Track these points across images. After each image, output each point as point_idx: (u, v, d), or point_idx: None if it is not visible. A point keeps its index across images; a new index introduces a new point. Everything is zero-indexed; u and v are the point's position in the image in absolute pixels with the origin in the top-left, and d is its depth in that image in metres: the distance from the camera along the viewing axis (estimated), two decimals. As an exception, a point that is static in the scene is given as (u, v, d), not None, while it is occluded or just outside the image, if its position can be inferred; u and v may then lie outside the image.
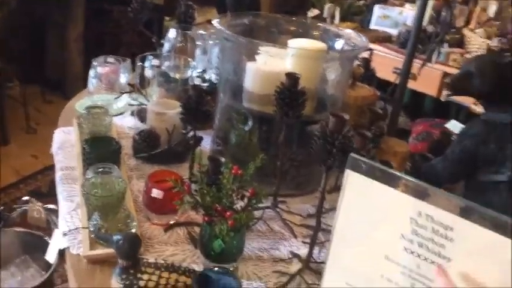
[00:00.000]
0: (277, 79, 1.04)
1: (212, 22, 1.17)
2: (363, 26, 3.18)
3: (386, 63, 2.55)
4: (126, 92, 1.34)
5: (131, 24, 1.67)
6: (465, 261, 0.61)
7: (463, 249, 0.61)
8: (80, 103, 1.48)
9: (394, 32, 3.08)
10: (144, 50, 1.53)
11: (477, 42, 2.64)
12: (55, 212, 1.45)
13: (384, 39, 3.00)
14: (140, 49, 2.19)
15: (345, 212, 0.70)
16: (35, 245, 1.34)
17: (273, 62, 1.14)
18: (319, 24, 1.37)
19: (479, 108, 2.54)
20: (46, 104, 3.49)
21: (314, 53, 1.12)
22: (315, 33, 1.30)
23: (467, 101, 2.72)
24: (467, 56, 2.57)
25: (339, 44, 1.26)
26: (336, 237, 0.72)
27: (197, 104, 1.06)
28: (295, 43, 1.16)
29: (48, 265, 1.26)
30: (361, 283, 0.71)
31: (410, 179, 0.63)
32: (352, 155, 0.68)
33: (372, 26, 3.19)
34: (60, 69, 3.58)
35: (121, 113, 1.48)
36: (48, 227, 1.43)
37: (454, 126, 2.54)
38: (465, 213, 0.60)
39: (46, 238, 1.32)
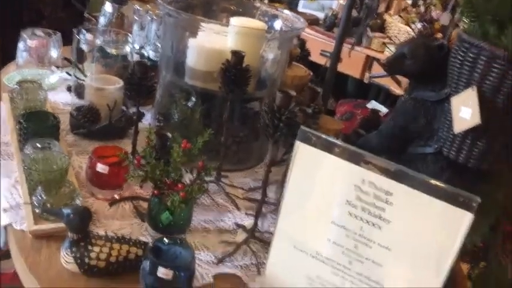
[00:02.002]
0: (220, 56, 1.07)
1: (153, -2, 1.16)
2: (291, 8, 3.25)
3: (314, 45, 2.64)
4: (63, 67, 1.30)
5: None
6: (403, 223, 0.69)
7: (402, 212, 0.68)
8: (9, 77, 1.42)
9: (320, 15, 3.19)
10: (67, 25, 1.48)
11: (397, 27, 2.80)
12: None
13: (311, 21, 3.09)
14: (62, 23, 2.12)
15: (294, 181, 0.76)
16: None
17: (216, 39, 1.16)
18: (257, 4, 1.40)
19: (398, 90, 2.72)
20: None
21: (256, 32, 1.16)
22: (253, 12, 1.34)
23: (386, 83, 2.90)
24: (388, 40, 2.73)
25: (277, 24, 1.30)
26: (285, 205, 0.77)
27: (141, 79, 1.06)
28: (237, 21, 1.19)
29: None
30: (309, 247, 0.77)
31: (355, 149, 0.70)
32: (302, 127, 0.73)
33: (300, 9, 3.28)
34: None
35: (54, 89, 1.43)
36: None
37: (375, 106, 2.70)
38: (401, 178, 0.67)
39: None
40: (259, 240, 0.98)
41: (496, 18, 0.74)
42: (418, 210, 0.67)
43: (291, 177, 0.75)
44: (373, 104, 2.79)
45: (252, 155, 1.27)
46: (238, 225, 1.03)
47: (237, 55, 1.00)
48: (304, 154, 0.73)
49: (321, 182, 0.73)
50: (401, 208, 0.68)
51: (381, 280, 0.72)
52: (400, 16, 2.98)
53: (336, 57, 1.63)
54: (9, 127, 1.17)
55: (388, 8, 3.16)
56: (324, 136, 0.71)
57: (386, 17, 3.00)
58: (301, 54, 1.43)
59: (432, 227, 0.66)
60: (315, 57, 1.87)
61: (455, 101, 0.80)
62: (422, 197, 0.65)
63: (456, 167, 0.86)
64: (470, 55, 0.77)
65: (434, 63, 0.86)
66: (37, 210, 0.91)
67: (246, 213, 1.08)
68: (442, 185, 0.64)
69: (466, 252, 1.23)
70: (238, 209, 1.09)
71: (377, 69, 2.84)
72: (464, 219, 0.64)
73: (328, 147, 0.71)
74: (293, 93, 0.85)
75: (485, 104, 0.75)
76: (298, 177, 0.75)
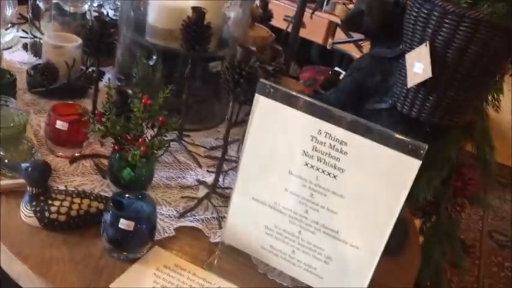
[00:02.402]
0: (182, 14, 1.06)
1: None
2: (255, -27, 3.22)
3: (277, 10, 2.63)
4: (15, 24, 1.26)
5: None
6: (357, 172, 0.72)
7: (355, 161, 0.71)
8: (-39, 35, 1.36)
9: (285, -20, 3.16)
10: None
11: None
12: None
13: (275, -14, 3.06)
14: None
15: (253, 134, 0.77)
16: None
17: (177, -3, 1.15)
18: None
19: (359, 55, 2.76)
20: None
21: (217, -11, 1.15)
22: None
23: (349, 49, 2.93)
24: (351, 6, 2.75)
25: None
26: (244, 156, 0.79)
27: (100, 36, 1.04)
28: (198, -21, 1.17)
29: None
30: (266, 197, 0.80)
31: (313, 101, 0.72)
32: (262, 80, 0.74)
33: (264, -27, 3.24)
34: None
35: (9, 47, 1.39)
36: None
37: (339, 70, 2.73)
38: (355, 128, 0.69)
39: None
40: (220, 196, 1.00)
41: (449, -25, 0.76)
42: (370, 159, 0.70)
43: (251, 130, 0.77)
44: (335, 70, 2.82)
45: (214, 114, 1.28)
46: (200, 182, 1.04)
47: (198, 11, 1.00)
48: (263, 107, 0.75)
49: (279, 134, 0.75)
50: (355, 157, 0.71)
51: (336, 227, 0.76)
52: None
53: (297, 21, 1.64)
54: (-37, 85, 1.13)
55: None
56: (282, 88, 0.73)
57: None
58: (264, 15, 1.43)
59: (383, 175, 0.70)
60: (279, 22, 1.87)
61: (410, 57, 0.83)
62: (374, 146, 0.68)
63: (409, 121, 0.89)
64: (424, 11, 0.79)
65: (391, 19, 0.88)
66: (-5, 167, 0.90)
67: (208, 171, 1.09)
68: (392, 133, 0.67)
69: (418, 208, 1.29)
70: (200, 166, 1.10)
71: (340, 35, 2.86)
72: (412, 166, 0.67)
73: (286, 100, 0.73)
74: (254, 48, 0.86)
75: (436, 58, 0.78)
76: (257, 130, 0.77)
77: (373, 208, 0.72)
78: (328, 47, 2.96)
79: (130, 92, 0.97)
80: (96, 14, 1.36)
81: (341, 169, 0.72)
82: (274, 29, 1.56)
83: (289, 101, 0.73)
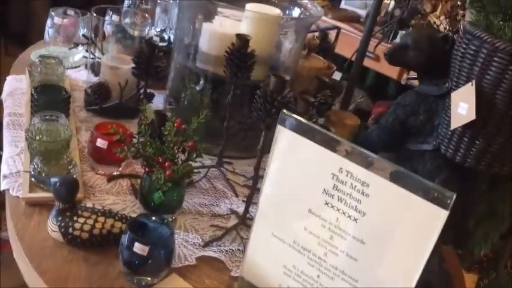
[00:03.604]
0: (232, 41, 1.06)
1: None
2: (333, 4, 3.20)
3: (353, 43, 2.57)
4: (81, 44, 1.33)
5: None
6: (378, 216, 0.66)
7: (377, 204, 0.65)
8: (36, 52, 1.46)
9: (362, 12, 3.11)
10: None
11: (441, 29, 2.69)
12: None
13: (352, 18, 3.02)
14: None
15: (274, 166, 0.74)
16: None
17: (229, 24, 1.15)
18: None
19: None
20: (8, 57, 3.39)
21: (269, 18, 1.14)
22: (273, 0, 1.32)
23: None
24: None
25: (295, 13, 1.28)
26: (265, 189, 0.76)
27: (149, 58, 1.07)
28: (252, 7, 1.17)
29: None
30: (286, 235, 0.75)
31: (335, 137, 0.67)
32: (284, 111, 0.71)
33: (342, 5, 3.21)
34: (24, 22, 3.47)
35: (77, 66, 1.47)
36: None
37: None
38: (378, 168, 0.64)
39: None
40: (249, 228, 0.97)
41: (501, 10, 0.69)
42: (393, 204, 0.64)
43: (272, 162, 0.74)
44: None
45: (259, 143, 1.25)
46: (232, 211, 1.02)
47: (242, 39, 0.99)
48: (284, 138, 0.71)
49: (300, 168, 0.71)
50: (377, 201, 0.65)
51: (355, 275, 0.69)
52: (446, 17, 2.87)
53: (361, 50, 1.58)
54: (25, 99, 1.21)
55: (434, 9, 3.05)
56: (303, 120, 0.69)
57: (431, 17, 2.89)
58: (322, 46, 1.40)
59: (407, 223, 0.63)
60: (351, 53, 1.82)
61: (455, 96, 0.76)
62: (398, 190, 0.62)
63: (455, 166, 0.81)
64: (472, 47, 0.72)
65: (439, 55, 0.82)
66: (32, 179, 0.93)
67: (243, 201, 1.06)
68: (418, 178, 0.61)
69: (474, 262, 1.17)
70: (236, 195, 1.08)
71: (416, 70, 2.74)
72: (438, 216, 0.60)
73: (307, 133, 0.69)
74: (287, 77, 0.83)
75: (483, 99, 0.70)
76: (278, 162, 0.73)
77: (396, 258, 0.65)
78: (402, 82, 2.84)
79: (168, 114, 0.97)
80: (156, 38, 1.41)
81: (362, 212, 0.66)
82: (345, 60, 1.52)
83: (311, 134, 0.69)
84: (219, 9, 1.15)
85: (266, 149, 1.00)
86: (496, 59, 0.69)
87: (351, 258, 0.69)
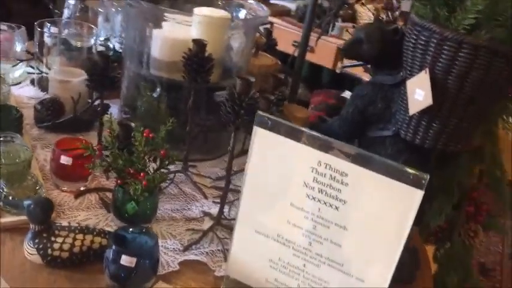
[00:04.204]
0: (184, 46, 1.07)
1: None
2: (261, 0, 3.25)
3: (286, 36, 2.64)
4: (24, 60, 1.28)
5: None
6: (359, 203, 0.70)
7: (356, 192, 0.70)
8: (-28, 72, 1.39)
9: (292, 6, 3.19)
10: (37, 20, 1.46)
11: (367, 16, 2.83)
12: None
13: (283, 13, 3.10)
14: (32, 18, 2.07)
15: (253, 166, 0.77)
16: None
17: (179, 29, 1.16)
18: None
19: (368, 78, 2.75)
20: None
21: (219, 21, 1.16)
22: (218, 2, 1.34)
23: (358, 72, 2.92)
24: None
25: (242, 14, 1.31)
26: (245, 189, 0.78)
27: (104, 70, 1.05)
28: (200, 11, 1.19)
29: None
30: (270, 230, 0.78)
31: (311, 132, 0.71)
32: (259, 112, 0.74)
33: (271, 0, 3.28)
34: None
35: (18, 83, 1.42)
36: None
37: (348, 95, 2.73)
38: (355, 159, 0.68)
39: None
40: (225, 227, 0.99)
41: (446, 1, 0.76)
42: (372, 190, 0.69)
43: (250, 162, 0.76)
44: (347, 94, 2.81)
45: (220, 144, 1.27)
46: (205, 213, 1.03)
47: (199, 43, 1.00)
48: (261, 139, 0.74)
49: (278, 165, 0.75)
50: (356, 188, 0.70)
51: (340, 260, 0.74)
52: (373, 5, 3.01)
53: (303, 46, 1.64)
54: (-29, 122, 1.15)
55: (359, -1, 3.19)
56: (280, 120, 0.72)
57: (357, 6, 3.02)
58: (268, 44, 1.44)
59: (386, 206, 0.68)
60: (288, 47, 1.87)
61: (410, 84, 0.82)
62: (375, 176, 0.67)
63: (413, 149, 0.88)
64: (422, 38, 0.78)
65: (390, 47, 0.88)
66: (0, 204, 0.90)
67: (214, 202, 1.08)
68: (393, 163, 0.66)
69: (430, 235, 1.26)
70: (205, 197, 1.10)
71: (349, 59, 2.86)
72: (415, 196, 0.65)
73: (285, 131, 0.72)
74: (252, 79, 0.86)
75: (437, 85, 0.77)
76: (257, 162, 0.76)
77: (378, 239, 0.70)
78: (337, 71, 2.96)
79: (133, 125, 0.97)
80: (101, 48, 1.39)
81: (343, 200, 0.71)
82: (283, 54, 1.56)
83: (288, 132, 0.72)
84: (166, 15, 1.15)
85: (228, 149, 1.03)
86: (445, 47, 0.75)
87: (335, 245, 0.73)
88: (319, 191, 0.72)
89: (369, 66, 1.20)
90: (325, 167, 0.71)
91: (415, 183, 0.65)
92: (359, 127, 0.94)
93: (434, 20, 0.77)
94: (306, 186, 0.73)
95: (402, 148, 0.88)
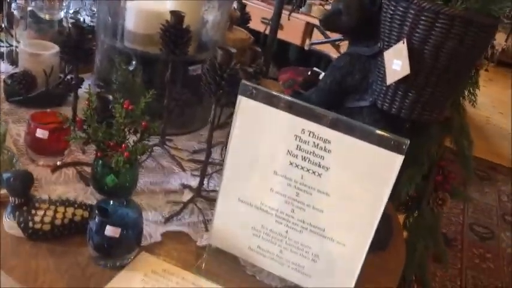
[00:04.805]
0: (160, 18, 1.06)
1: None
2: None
3: (255, 13, 2.63)
4: (-8, 32, 1.24)
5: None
6: (341, 170, 0.73)
7: (339, 158, 0.72)
8: None
9: (260, -18, 3.17)
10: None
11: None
12: None
13: (251, -11, 3.07)
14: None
15: (237, 135, 0.78)
16: None
17: (154, 1, 1.14)
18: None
19: (337, 55, 2.79)
20: None
21: (194, -7, 1.15)
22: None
23: (326, 49, 2.95)
24: (327, 7, 2.77)
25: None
26: (229, 158, 0.79)
27: (78, 42, 1.03)
28: (176, -17, 1.17)
29: None
30: (253, 198, 0.80)
31: (295, 100, 0.72)
32: (244, 81, 0.75)
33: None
34: None
35: (-16, 57, 1.37)
36: None
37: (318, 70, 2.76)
38: (338, 126, 0.70)
39: None
40: (205, 199, 1.00)
41: (423, -27, 0.78)
42: (354, 156, 0.71)
43: (234, 131, 0.77)
44: (314, 70, 2.84)
45: (196, 118, 1.28)
46: (185, 186, 1.04)
47: (177, 15, 1.00)
48: (245, 108, 0.75)
49: (262, 134, 0.76)
50: (339, 155, 0.72)
51: (322, 225, 0.76)
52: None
53: (275, 22, 1.65)
54: None
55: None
56: (264, 89, 0.73)
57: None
58: (242, 18, 1.44)
59: (367, 172, 0.71)
60: (256, 24, 1.88)
61: (388, 55, 0.84)
62: (357, 143, 0.69)
63: (389, 118, 0.90)
64: (400, 9, 0.80)
65: (368, 18, 0.90)
66: (-24, 178, 0.88)
67: (192, 174, 1.09)
68: (374, 130, 0.68)
69: (401, 203, 1.31)
70: (183, 170, 1.10)
71: (317, 36, 2.88)
72: (395, 161, 0.68)
73: (268, 100, 0.73)
74: (234, 50, 0.86)
75: (414, 55, 0.80)
76: (240, 131, 0.77)
77: (358, 205, 0.73)
78: (305, 48, 2.98)
79: (111, 98, 0.96)
80: (73, 20, 1.35)
81: (325, 167, 0.73)
82: (252, 31, 1.56)
83: (272, 101, 0.73)
84: (141, -14, 1.14)
85: (206, 122, 1.03)
86: (423, 18, 0.78)
87: (317, 211, 0.76)
88: (302, 159, 0.74)
89: (338, 42, 1.21)
90: (309, 135, 0.72)
91: (395, 148, 0.67)
92: (337, 98, 0.96)
93: (411, -9, 0.79)
94: (290, 154, 0.75)
95: (378, 118, 0.91)
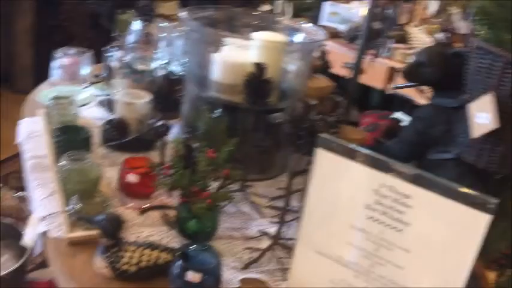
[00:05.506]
0: (243, 69, 1.11)
1: (179, 15, 1.22)
2: (314, 23, 3.29)
3: (336, 58, 2.64)
4: (94, 82, 1.36)
5: (83, 17, 1.67)
6: (423, 226, 0.70)
7: (420, 214, 0.70)
8: (44, 94, 1.49)
9: (342, 28, 3.21)
10: (96, 43, 1.55)
11: (419, 38, 2.81)
12: (25, 199, 1.45)
13: (333, 35, 3.12)
14: (92, 42, 2.20)
15: (314, 188, 0.78)
16: (6, 233, 1.34)
17: (239, 53, 1.20)
18: (278, 18, 1.45)
19: (422, 101, 2.72)
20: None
21: (277, 45, 1.19)
22: (275, 26, 1.38)
23: (410, 93, 2.89)
24: (411, 51, 2.74)
25: (298, 37, 1.34)
26: (306, 211, 0.80)
27: (168, 92, 1.11)
28: (259, 35, 1.23)
29: (20, 252, 1.27)
30: (330, 251, 0.79)
31: (373, 154, 0.72)
32: (322, 135, 0.76)
33: (322, 23, 3.31)
34: (8, 61, 3.47)
35: (85, 104, 1.50)
36: (19, 215, 1.44)
37: (400, 117, 2.70)
38: (419, 181, 0.69)
39: (16, 226, 1.34)
40: (283, 247, 1.01)
41: (510, 26, 0.76)
42: (436, 213, 0.69)
43: (312, 184, 0.78)
44: (398, 115, 2.79)
45: (275, 164, 1.30)
46: (263, 233, 1.05)
47: (259, 67, 1.04)
48: (324, 161, 0.76)
49: (340, 187, 0.76)
50: (420, 211, 0.70)
51: (403, 282, 0.74)
52: (425, 27, 2.99)
53: (357, 67, 1.65)
54: (45, 141, 1.23)
55: (410, 20, 3.17)
56: (342, 142, 0.74)
57: (408, 28, 3.01)
58: (323, 66, 1.46)
59: (451, 229, 0.68)
60: (338, 69, 1.89)
61: (472, 108, 0.82)
62: (440, 200, 0.67)
63: (476, 172, 0.87)
64: (486, 62, 0.78)
65: (451, 70, 0.88)
66: (72, 219, 0.96)
67: (271, 221, 1.10)
68: (459, 187, 0.66)
69: (492, 261, 1.23)
70: (262, 217, 1.12)
71: (400, 80, 2.84)
72: (482, 220, 0.65)
73: (347, 154, 0.74)
74: (313, 102, 0.88)
75: (502, 108, 0.77)
76: (318, 184, 0.78)
77: (442, 264, 0.70)
78: (388, 92, 2.94)
79: (195, 145, 1.01)
80: (164, 71, 1.45)
81: (406, 223, 0.71)
82: (333, 76, 1.58)
83: (350, 154, 0.74)
84: (227, 39, 1.20)
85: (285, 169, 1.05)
86: (509, 71, 0.75)
87: (397, 267, 0.74)
88: (381, 213, 0.73)
89: (422, 87, 1.20)
90: (388, 189, 0.71)
91: (483, 207, 0.65)
92: (419, 149, 0.94)
93: (498, 44, 0.77)
94: (368, 208, 0.74)
95: (464, 171, 0.87)
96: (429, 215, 0.69)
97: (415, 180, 0.69)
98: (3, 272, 1.22)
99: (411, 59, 0.94)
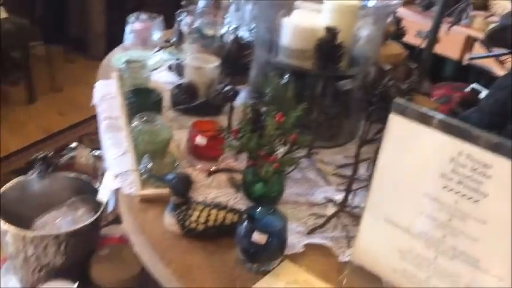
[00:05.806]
0: (313, 34, 1.09)
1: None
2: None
3: (410, 26, 2.53)
4: (165, 47, 1.39)
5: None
6: (502, 197, 0.67)
7: (501, 185, 0.66)
8: (117, 58, 1.54)
9: (417, -6, 3.06)
10: (166, 9, 1.56)
11: (501, 4, 2.62)
12: (99, 158, 1.53)
13: (407, 1, 2.98)
14: (162, 8, 2.23)
15: (387, 154, 0.76)
16: (83, 189, 1.42)
17: (309, 17, 1.18)
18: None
19: (501, 71, 2.55)
20: (68, 63, 3.54)
21: (349, 8, 1.15)
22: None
23: (488, 64, 2.73)
24: (492, 18, 2.57)
25: (372, 2, 1.29)
26: (377, 177, 0.78)
27: (237, 57, 1.11)
28: (330, -1, 1.19)
29: (95, 207, 1.34)
30: (400, 219, 0.77)
31: (451, 121, 0.69)
32: (396, 100, 0.73)
33: (395, -11, 3.17)
34: (81, 28, 3.62)
35: (156, 68, 1.53)
36: (95, 172, 1.51)
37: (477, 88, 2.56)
38: (500, 149, 0.65)
39: (92, 182, 1.41)
40: (349, 215, 1.00)
41: None
42: (518, 184, 0.65)
43: (384, 151, 0.76)
44: (474, 88, 2.65)
45: (343, 132, 1.27)
46: (329, 199, 1.05)
47: (331, 32, 1.01)
48: (398, 127, 0.73)
49: (413, 154, 0.73)
50: (501, 181, 0.66)
51: (476, 255, 0.71)
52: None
53: (433, 36, 1.57)
54: (118, 103, 1.27)
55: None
56: (418, 107, 0.71)
57: (488, -6, 2.82)
58: (397, 33, 1.40)
59: (533, 202, 0.64)
60: (411, 38, 1.81)
61: None
62: (524, 171, 0.63)
63: None
64: None
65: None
66: (143, 177, 0.99)
67: (337, 189, 1.09)
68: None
69: None
70: (328, 184, 1.11)
71: (478, 50, 2.68)
72: None
73: (423, 120, 0.71)
74: (387, 67, 0.85)
75: None
76: (390, 151, 0.75)
77: (521, 237, 0.66)
78: (464, 62, 2.79)
79: (263, 109, 1.01)
80: (233, 36, 1.45)
81: (484, 194, 0.68)
82: (406, 45, 1.52)
83: (426, 120, 0.71)
84: (297, 3, 1.17)
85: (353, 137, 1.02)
86: None
87: (471, 239, 0.71)
88: (457, 183, 0.70)
89: (502, 58, 1.12)
90: (466, 158, 0.68)
91: None
92: (499, 120, 0.88)
93: None
94: (443, 177, 0.71)
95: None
96: (509, 186, 0.65)
97: (497, 149, 0.65)
98: (80, 225, 1.29)
99: (495, 24, 0.88)
